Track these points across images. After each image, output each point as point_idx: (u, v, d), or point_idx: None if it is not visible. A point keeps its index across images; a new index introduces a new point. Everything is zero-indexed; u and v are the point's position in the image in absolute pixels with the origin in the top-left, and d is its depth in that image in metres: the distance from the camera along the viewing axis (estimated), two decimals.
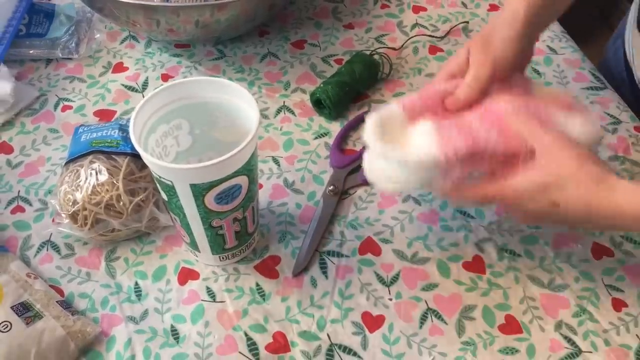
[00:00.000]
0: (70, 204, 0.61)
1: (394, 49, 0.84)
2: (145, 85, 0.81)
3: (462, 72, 0.60)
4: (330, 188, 0.69)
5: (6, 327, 0.54)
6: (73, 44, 0.84)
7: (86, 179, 0.62)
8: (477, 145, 0.54)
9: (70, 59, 0.84)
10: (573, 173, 0.50)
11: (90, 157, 0.63)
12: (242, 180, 0.54)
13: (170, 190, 0.53)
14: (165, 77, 0.82)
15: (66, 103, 0.79)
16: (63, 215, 0.62)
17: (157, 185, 0.55)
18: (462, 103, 0.58)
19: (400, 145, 0.56)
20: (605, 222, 0.51)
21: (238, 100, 0.57)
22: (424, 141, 0.55)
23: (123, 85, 0.81)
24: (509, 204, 0.54)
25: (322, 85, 0.76)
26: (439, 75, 0.62)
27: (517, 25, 0.60)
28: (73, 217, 0.61)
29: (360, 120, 0.76)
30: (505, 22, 0.60)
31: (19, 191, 0.69)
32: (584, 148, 0.53)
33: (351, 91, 0.77)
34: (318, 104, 0.76)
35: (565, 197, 0.50)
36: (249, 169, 0.54)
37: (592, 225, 0.60)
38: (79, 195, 0.61)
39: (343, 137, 0.74)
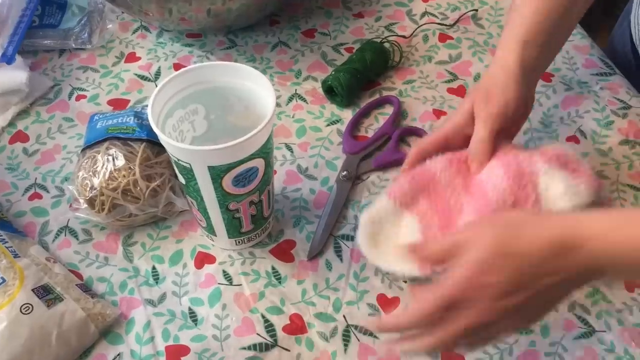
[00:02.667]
0: (88, 189, 0.62)
1: (404, 37, 0.85)
2: (157, 74, 0.81)
3: (462, 127, 0.60)
4: (343, 173, 0.69)
5: (28, 309, 0.54)
6: (86, 35, 0.84)
7: (103, 164, 0.62)
8: None
9: (83, 49, 0.85)
10: (512, 221, 0.46)
11: (106, 144, 0.64)
12: (259, 163, 0.55)
13: (189, 173, 0.54)
14: (177, 67, 0.82)
15: (80, 92, 0.79)
16: (81, 200, 0.62)
17: (175, 168, 0.56)
18: (478, 163, 0.57)
19: (392, 243, 0.58)
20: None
21: (252, 85, 0.58)
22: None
23: (136, 74, 0.81)
24: (471, 286, 0.44)
25: (333, 72, 0.77)
26: (437, 133, 0.61)
27: (514, 76, 0.59)
28: (90, 202, 0.62)
29: (372, 107, 0.77)
30: (502, 74, 0.59)
31: (35, 178, 0.70)
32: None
33: (362, 78, 0.78)
34: (330, 91, 0.77)
35: (522, 240, 0.44)
36: (265, 152, 0.55)
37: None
38: (96, 181, 0.62)
39: (355, 124, 0.75)
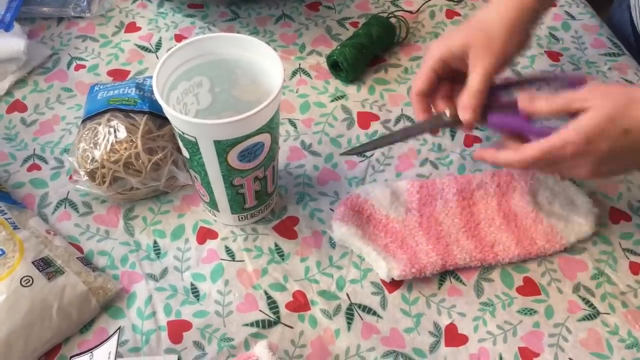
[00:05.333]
0: (89, 161, 0.61)
1: (410, 12, 0.83)
2: (158, 45, 0.80)
3: (450, 63, 0.58)
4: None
5: (28, 282, 0.53)
6: (85, 3, 0.82)
7: (104, 136, 0.61)
8: None
9: (82, 17, 0.83)
10: (631, 96, 0.49)
11: (107, 115, 0.62)
12: (265, 138, 0.54)
13: (193, 147, 0.53)
14: (178, 38, 0.80)
15: (79, 62, 0.78)
16: (81, 172, 0.61)
17: (180, 142, 0.55)
18: (471, 112, 0.56)
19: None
20: None
21: (259, 58, 0.56)
22: None
23: (136, 45, 0.80)
24: (577, 152, 0.50)
25: (339, 47, 0.75)
26: (426, 70, 0.58)
27: (520, 17, 0.56)
28: (91, 174, 0.61)
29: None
30: (508, 14, 0.56)
31: (34, 149, 0.69)
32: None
33: (368, 54, 0.76)
34: (335, 66, 0.76)
35: (634, 120, 0.48)
36: (272, 127, 0.54)
37: None
38: (97, 153, 0.60)
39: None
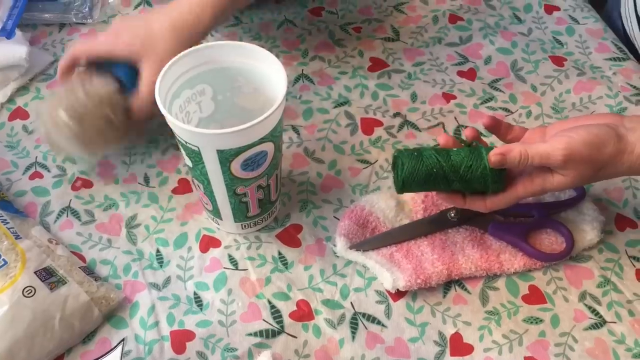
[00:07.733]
0: None
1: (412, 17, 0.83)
2: None
3: None
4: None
5: (30, 292, 0.53)
6: (86, 9, 0.82)
7: None
8: None
9: (83, 23, 0.82)
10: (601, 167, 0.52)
11: None
12: (269, 147, 0.53)
13: (197, 156, 0.52)
14: None
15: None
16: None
17: (182, 151, 0.54)
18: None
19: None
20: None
21: (263, 65, 0.56)
22: None
23: None
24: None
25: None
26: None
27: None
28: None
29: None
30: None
31: (36, 157, 0.68)
32: None
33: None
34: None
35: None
36: (275, 136, 0.53)
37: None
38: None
39: None
